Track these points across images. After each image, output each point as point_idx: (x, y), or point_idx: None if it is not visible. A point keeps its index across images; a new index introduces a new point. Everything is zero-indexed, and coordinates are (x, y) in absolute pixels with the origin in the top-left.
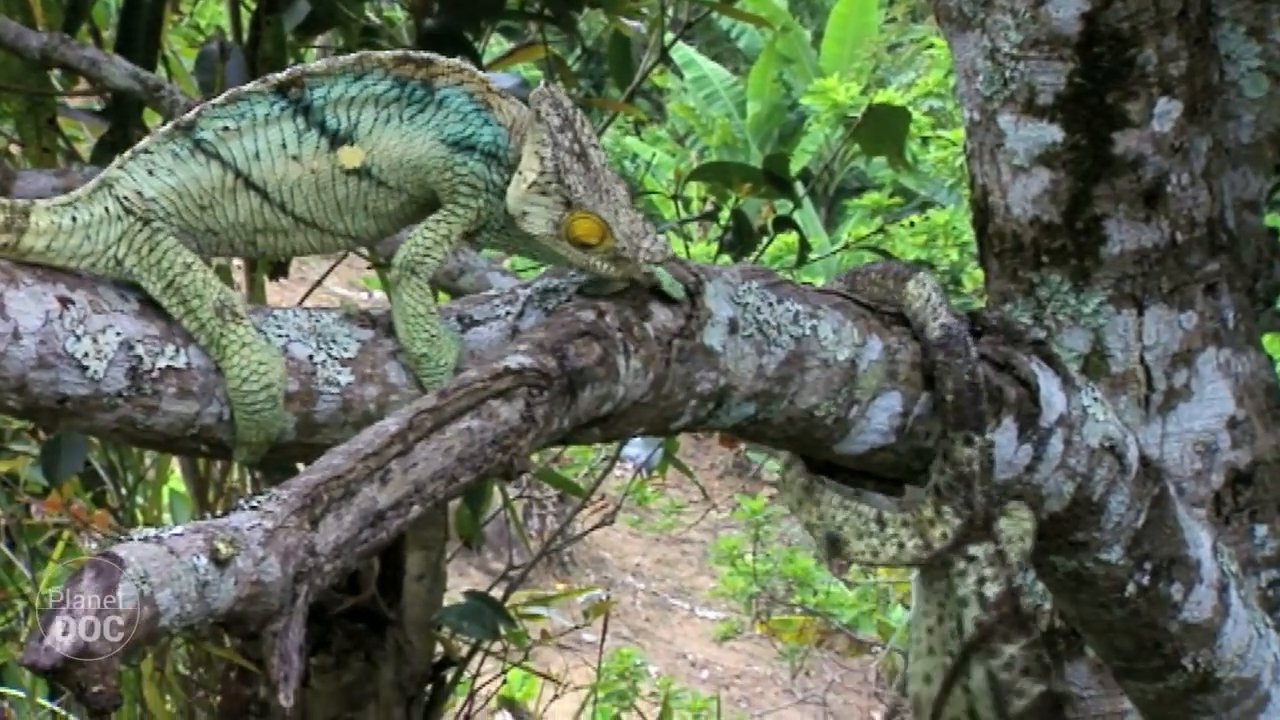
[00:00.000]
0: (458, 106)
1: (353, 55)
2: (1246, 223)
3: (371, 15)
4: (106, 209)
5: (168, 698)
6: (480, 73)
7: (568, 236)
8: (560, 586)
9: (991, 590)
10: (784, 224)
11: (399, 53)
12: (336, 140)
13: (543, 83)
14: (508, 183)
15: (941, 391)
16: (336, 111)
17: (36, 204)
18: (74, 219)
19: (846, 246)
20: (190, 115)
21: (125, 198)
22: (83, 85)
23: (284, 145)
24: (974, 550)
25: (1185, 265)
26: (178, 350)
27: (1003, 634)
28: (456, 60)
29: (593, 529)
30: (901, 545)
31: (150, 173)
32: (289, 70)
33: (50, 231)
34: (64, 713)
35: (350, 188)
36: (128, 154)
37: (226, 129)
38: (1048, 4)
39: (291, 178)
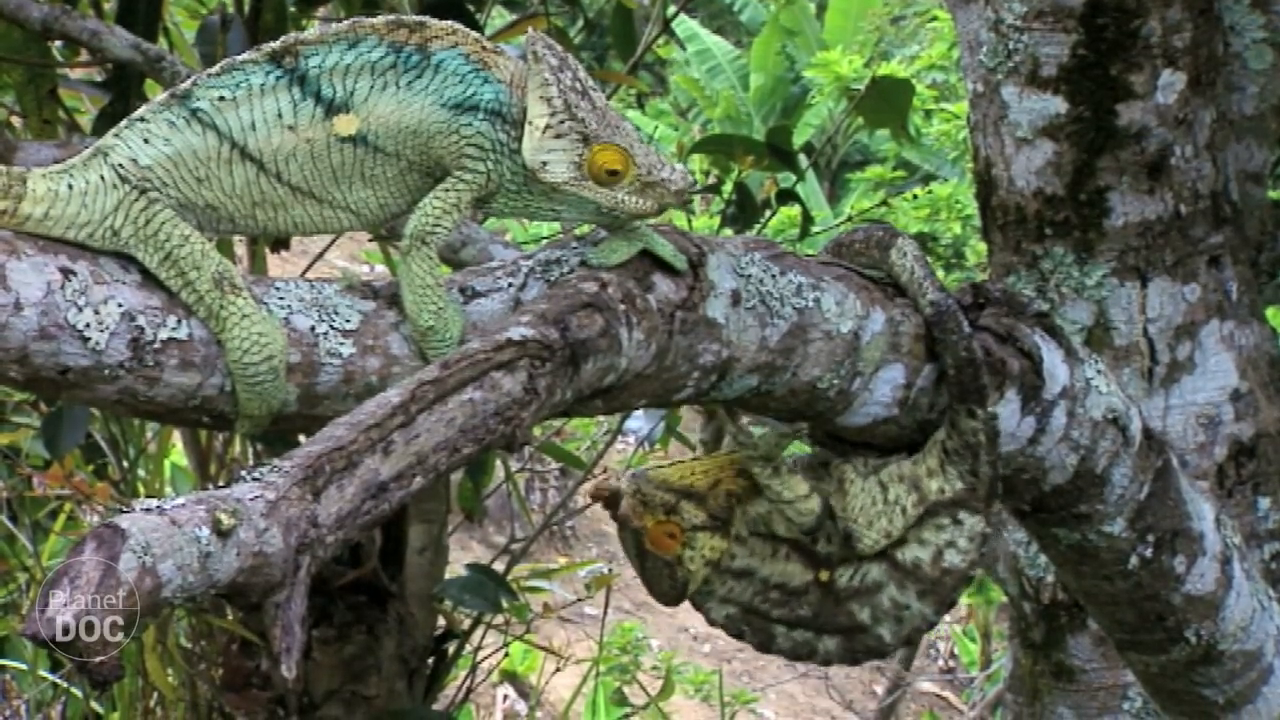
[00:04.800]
0: (455, 68)
1: (346, 22)
2: (1250, 195)
3: None
4: (102, 177)
5: (169, 669)
6: (474, 33)
7: (591, 174)
8: (562, 560)
9: (951, 558)
10: (787, 197)
11: (391, 17)
12: (332, 109)
13: (531, 30)
14: (514, 140)
15: (944, 365)
16: (332, 80)
17: (33, 171)
18: (70, 186)
19: (849, 219)
20: (186, 85)
21: (120, 165)
22: (84, 57)
23: (280, 115)
24: (964, 515)
25: (1189, 237)
26: (179, 322)
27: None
28: (450, 22)
29: (594, 502)
30: (904, 510)
31: (146, 141)
32: (282, 39)
33: (48, 198)
34: (66, 685)
35: (345, 155)
36: (123, 123)
37: (223, 99)
38: None
39: (287, 147)
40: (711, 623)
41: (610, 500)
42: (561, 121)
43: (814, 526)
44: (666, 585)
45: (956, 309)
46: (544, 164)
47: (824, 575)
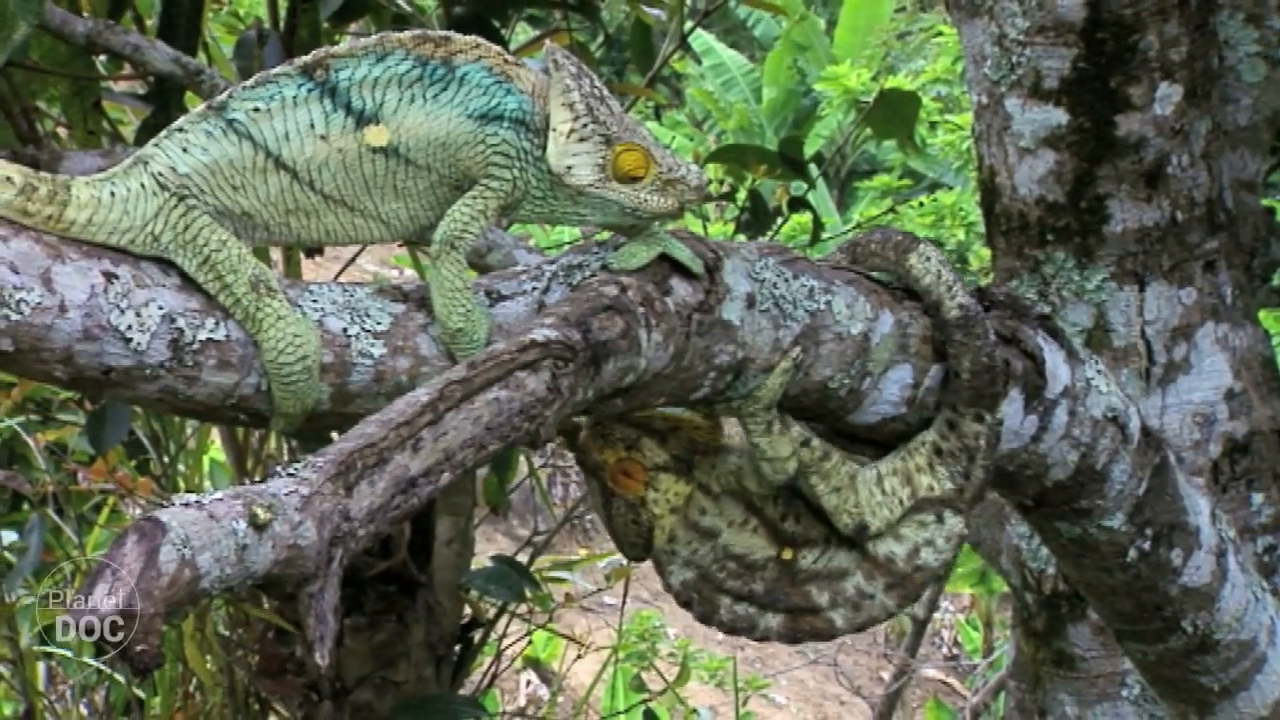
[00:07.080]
0: (479, 81)
1: (374, 36)
2: (1244, 202)
3: (402, 2)
4: (142, 184)
5: (208, 657)
6: (496, 46)
7: (614, 175)
8: (583, 551)
9: (926, 556)
10: (798, 204)
11: (418, 32)
12: (363, 120)
13: (549, 42)
14: (538, 147)
15: (957, 369)
16: (362, 92)
17: (76, 179)
18: (113, 193)
19: (858, 226)
20: (223, 97)
21: (160, 174)
22: (127, 70)
23: (312, 126)
24: (948, 515)
25: (1185, 243)
26: (218, 323)
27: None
28: (473, 37)
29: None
30: (901, 502)
31: (184, 150)
32: (314, 53)
33: (91, 204)
34: (109, 671)
35: (378, 165)
36: (163, 133)
37: (257, 110)
38: None
39: (319, 157)
40: (668, 588)
41: (570, 435)
42: (584, 125)
43: (782, 485)
44: (632, 533)
45: (984, 315)
46: (569, 168)
47: (787, 554)
